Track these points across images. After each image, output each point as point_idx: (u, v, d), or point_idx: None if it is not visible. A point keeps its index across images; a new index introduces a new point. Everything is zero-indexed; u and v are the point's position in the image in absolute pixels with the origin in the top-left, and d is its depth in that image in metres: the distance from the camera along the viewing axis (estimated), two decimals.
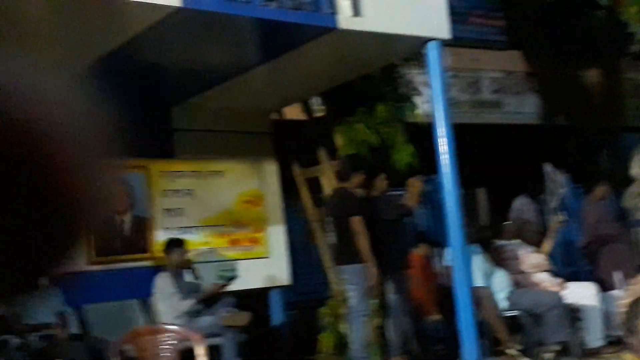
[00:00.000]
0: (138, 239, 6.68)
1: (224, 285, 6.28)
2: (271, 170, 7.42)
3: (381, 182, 6.64)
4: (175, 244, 6.27)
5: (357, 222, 6.09)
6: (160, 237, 6.64)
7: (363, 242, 6.03)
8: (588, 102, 11.10)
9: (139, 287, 6.33)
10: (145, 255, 6.65)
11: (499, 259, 7.05)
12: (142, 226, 6.72)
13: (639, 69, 11.57)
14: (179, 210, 6.88)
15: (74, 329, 5.88)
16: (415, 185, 6.56)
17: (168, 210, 6.83)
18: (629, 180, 7.90)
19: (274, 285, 7.45)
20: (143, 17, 4.78)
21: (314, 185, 7.40)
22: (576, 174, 8.96)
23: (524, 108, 10.75)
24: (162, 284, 6.11)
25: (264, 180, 7.37)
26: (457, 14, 6.79)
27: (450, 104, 6.06)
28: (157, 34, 5.01)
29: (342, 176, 6.52)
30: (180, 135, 6.93)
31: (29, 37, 4.97)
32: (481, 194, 11.04)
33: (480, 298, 6.35)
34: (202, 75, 6.14)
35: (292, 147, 7.45)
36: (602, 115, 11.06)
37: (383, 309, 6.43)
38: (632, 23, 8.21)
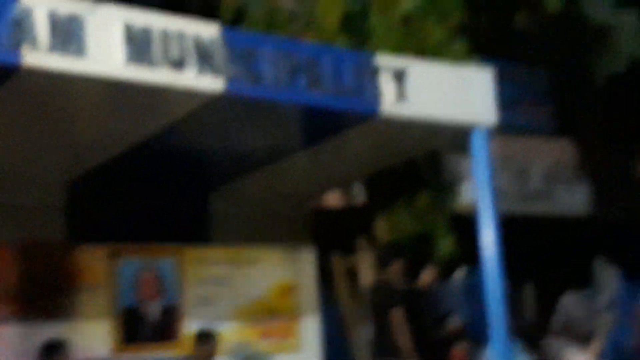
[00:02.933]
0: (167, 328, 6.46)
1: None
2: (308, 258, 7.19)
3: (429, 275, 6.42)
4: (205, 336, 6.10)
5: (397, 315, 5.84)
6: (190, 326, 6.40)
7: (403, 337, 5.78)
8: None
9: None
10: (173, 344, 6.42)
11: (544, 358, 6.77)
12: (172, 314, 6.52)
13: None
14: (211, 299, 6.67)
15: None
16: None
17: (200, 298, 6.63)
18: None
19: None
20: (184, 103, 4.67)
21: (354, 275, 7.17)
22: (630, 270, 8.59)
23: (575, 198, 10.46)
24: None
25: (301, 268, 7.14)
26: (506, 101, 6.63)
27: (498, 194, 5.82)
28: (197, 119, 4.88)
29: (381, 264, 6.32)
30: (217, 221, 6.76)
31: (66, 121, 4.89)
32: (528, 289, 10.68)
33: None
34: (241, 160, 6.00)
35: (331, 235, 7.25)
36: None
37: None
38: None
